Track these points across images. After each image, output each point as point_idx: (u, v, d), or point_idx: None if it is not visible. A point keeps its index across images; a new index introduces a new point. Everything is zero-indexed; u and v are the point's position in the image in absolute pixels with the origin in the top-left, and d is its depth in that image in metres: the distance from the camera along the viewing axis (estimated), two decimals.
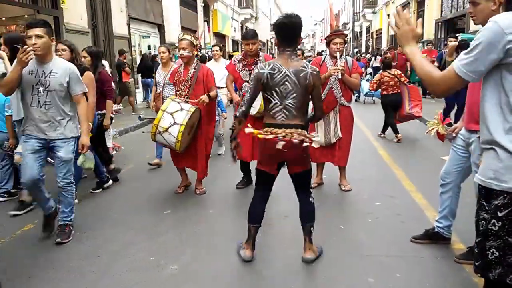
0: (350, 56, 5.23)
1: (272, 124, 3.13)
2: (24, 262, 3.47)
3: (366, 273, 3.16)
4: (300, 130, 3.11)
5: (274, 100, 3.10)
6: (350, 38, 41.41)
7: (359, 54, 23.55)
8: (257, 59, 4.99)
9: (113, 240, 3.85)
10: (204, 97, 4.61)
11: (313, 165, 5.21)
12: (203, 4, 23.21)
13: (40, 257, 3.55)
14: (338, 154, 5.01)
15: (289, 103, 3.08)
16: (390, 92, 7.70)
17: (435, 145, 3.45)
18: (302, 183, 3.36)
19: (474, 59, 1.85)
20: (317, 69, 3.13)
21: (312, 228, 3.35)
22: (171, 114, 4.41)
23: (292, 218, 4.22)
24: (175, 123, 4.38)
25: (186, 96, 4.70)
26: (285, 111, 3.09)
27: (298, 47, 4.07)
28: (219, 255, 3.51)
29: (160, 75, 6.07)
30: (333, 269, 3.23)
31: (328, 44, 4.94)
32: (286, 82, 3.05)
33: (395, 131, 7.66)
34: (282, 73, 3.05)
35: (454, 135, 3.39)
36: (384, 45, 30.39)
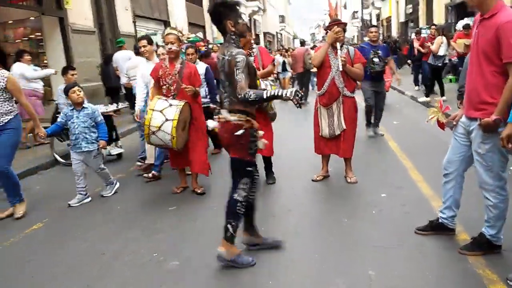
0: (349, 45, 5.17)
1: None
2: (29, 260, 3.53)
3: (367, 264, 3.13)
4: (238, 115, 3.08)
5: (223, 88, 3.20)
6: (359, 27, 40.95)
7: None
8: (251, 51, 4.95)
9: (117, 237, 3.89)
10: (191, 87, 4.62)
11: (318, 158, 5.23)
12: None
13: (45, 255, 3.62)
14: (343, 146, 4.96)
15: (227, 90, 3.13)
16: None
17: (446, 135, 3.38)
18: (232, 171, 3.24)
19: None
20: (233, 54, 3.01)
21: (228, 225, 3.13)
22: (161, 111, 4.39)
23: (296, 211, 4.23)
24: (166, 120, 4.35)
25: (174, 92, 4.67)
26: (227, 98, 3.15)
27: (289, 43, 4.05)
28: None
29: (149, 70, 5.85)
30: (333, 261, 3.21)
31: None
32: (222, 71, 3.15)
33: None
34: (220, 62, 3.15)
35: (454, 123, 3.32)
36: (394, 33, 30.01)
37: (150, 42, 5.84)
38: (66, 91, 4.82)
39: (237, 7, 3.12)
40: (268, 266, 3.21)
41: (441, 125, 3.48)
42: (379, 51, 6.93)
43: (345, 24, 4.96)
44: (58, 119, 4.90)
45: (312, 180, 5.09)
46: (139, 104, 5.62)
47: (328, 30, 4.85)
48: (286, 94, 3.04)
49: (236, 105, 3.10)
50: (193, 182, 5.01)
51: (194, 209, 4.50)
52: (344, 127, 4.89)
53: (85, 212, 4.60)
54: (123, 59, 8.78)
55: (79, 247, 3.75)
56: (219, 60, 3.16)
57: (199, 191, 4.94)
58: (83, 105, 4.85)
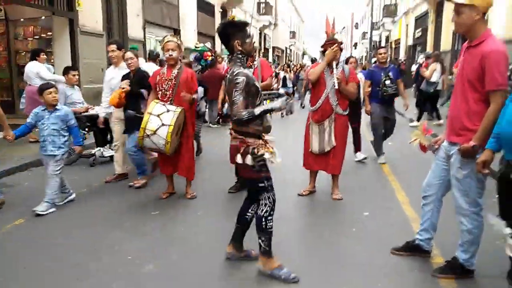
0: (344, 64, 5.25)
1: None
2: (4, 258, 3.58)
3: (344, 281, 3.16)
4: (234, 135, 3.15)
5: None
6: (367, 48, 41.17)
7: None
8: (252, 63, 5.04)
9: (100, 238, 3.94)
10: (189, 95, 4.68)
11: (306, 173, 5.28)
12: (221, 10, 23.40)
13: (20, 254, 3.66)
14: (332, 162, 5.01)
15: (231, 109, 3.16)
16: None
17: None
18: (247, 189, 3.35)
19: None
20: (234, 74, 3.04)
21: (260, 241, 3.19)
22: (158, 116, 4.46)
23: (279, 224, 4.25)
24: (163, 125, 4.43)
25: (170, 98, 4.74)
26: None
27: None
28: (203, 256, 3.56)
29: (113, 73, 5.78)
30: (312, 276, 3.23)
31: (323, 53, 4.97)
32: (226, 90, 3.19)
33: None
34: (225, 80, 3.19)
35: (436, 146, 3.37)
36: (402, 55, 30.16)
37: (120, 47, 5.79)
38: (41, 91, 4.54)
39: (245, 27, 3.16)
40: (242, 274, 3.25)
41: (423, 148, 3.53)
42: (390, 73, 6.67)
43: (341, 43, 5.04)
44: (28, 119, 4.65)
45: (298, 195, 5.14)
46: (102, 111, 5.75)
47: (325, 48, 4.93)
48: (277, 105, 3.09)
49: (235, 125, 3.16)
50: (187, 187, 5.10)
51: (179, 214, 4.55)
52: (334, 144, 4.94)
53: (68, 212, 4.63)
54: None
55: (58, 247, 3.77)
56: (225, 78, 3.20)
57: (189, 196, 5.03)
58: (56, 107, 4.61)
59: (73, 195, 4.91)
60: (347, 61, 7.13)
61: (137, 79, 5.25)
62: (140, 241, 3.88)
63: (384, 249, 3.65)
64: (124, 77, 5.37)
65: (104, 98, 5.83)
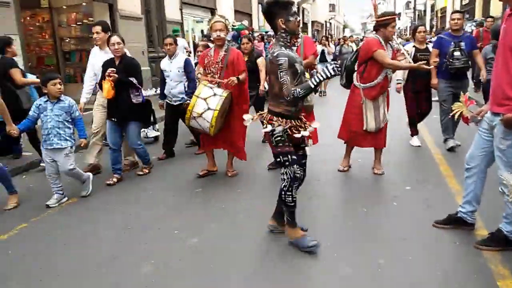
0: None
1: None
2: (61, 231, 3.84)
3: (379, 254, 3.17)
4: (267, 114, 3.22)
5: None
6: (411, 18, 39.62)
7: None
8: (296, 41, 4.98)
9: (145, 214, 4.13)
10: (234, 78, 4.66)
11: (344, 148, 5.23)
12: None
13: (75, 227, 3.92)
14: (380, 137, 4.95)
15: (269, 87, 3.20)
16: None
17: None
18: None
19: None
20: (274, 55, 3.03)
21: (284, 213, 3.33)
22: (205, 99, 4.53)
23: (316, 199, 4.31)
24: (209, 109, 4.51)
25: (218, 80, 4.74)
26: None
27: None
28: (241, 232, 3.66)
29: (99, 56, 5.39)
30: (345, 250, 3.27)
31: (378, 28, 4.73)
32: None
33: None
34: (267, 59, 3.19)
35: (479, 118, 3.27)
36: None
37: (105, 29, 5.39)
38: (46, 81, 4.30)
39: (289, 5, 3.12)
40: (278, 249, 3.32)
41: (466, 120, 3.43)
42: (462, 43, 5.64)
43: (399, 16, 4.92)
44: (30, 112, 4.41)
45: (339, 170, 5.12)
46: (84, 96, 5.48)
47: (382, 22, 4.69)
48: (330, 73, 3.02)
49: (270, 105, 3.22)
50: (229, 164, 5.20)
51: (220, 191, 4.67)
52: (388, 119, 4.89)
53: (118, 189, 4.88)
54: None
55: (109, 221, 4.02)
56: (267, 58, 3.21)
57: (230, 174, 5.14)
58: (60, 98, 4.38)
59: (65, 198, 4.55)
60: (414, 31, 6.43)
61: (125, 66, 4.90)
62: (184, 216, 4.04)
63: (425, 223, 3.61)
64: (106, 64, 4.94)
65: (87, 82, 5.48)
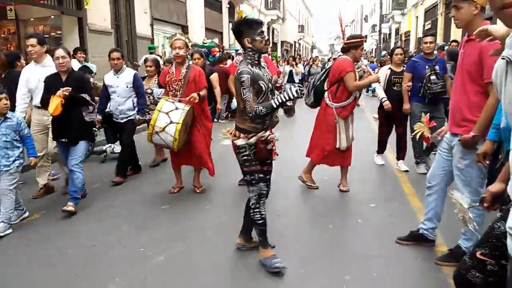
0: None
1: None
2: (25, 249, 3.71)
3: (345, 270, 3.23)
4: (234, 130, 3.26)
5: None
6: (377, 40, 40.91)
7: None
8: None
9: (110, 231, 4.05)
10: (195, 95, 4.70)
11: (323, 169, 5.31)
12: (228, 6, 23.45)
13: (37, 243, 3.80)
14: (346, 155, 5.06)
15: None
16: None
17: None
18: None
19: None
20: (238, 72, 3.09)
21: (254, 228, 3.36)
22: (167, 113, 4.54)
23: (284, 216, 4.35)
24: (171, 122, 4.51)
25: (180, 97, 4.78)
26: None
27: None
28: (209, 249, 3.65)
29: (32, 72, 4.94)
30: (312, 267, 3.31)
31: (349, 50, 4.86)
32: None
33: None
34: None
35: (439, 138, 3.42)
36: (412, 47, 29.93)
37: (41, 42, 4.94)
38: None
39: (256, 25, 3.18)
40: (246, 266, 3.34)
41: (426, 140, 3.58)
42: (437, 67, 5.51)
43: (365, 38, 5.15)
44: None
45: (308, 187, 5.20)
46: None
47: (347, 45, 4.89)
48: (292, 94, 3.06)
49: (236, 121, 3.26)
50: (196, 180, 5.18)
51: (188, 208, 4.64)
52: (354, 137, 5.06)
53: (81, 206, 4.73)
54: None
55: (74, 238, 3.92)
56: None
57: (198, 191, 5.11)
58: (6, 115, 4.04)
59: (27, 213, 4.41)
60: (391, 53, 6.34)
61: (75, 82, 4.48)
62: (151, 233, 3.99)
63: (389, 239, 3.71)
64: (50, 79, 4.53)
65: (21, 100, 4.90)
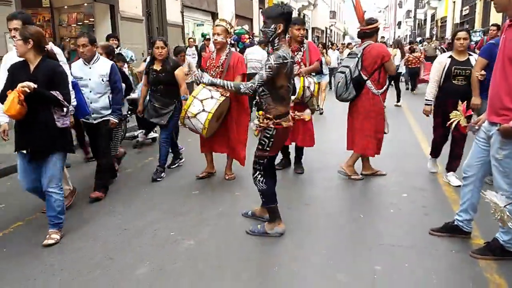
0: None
1: (287, 112, 3.43)
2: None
3: (374, 260, 3.16)
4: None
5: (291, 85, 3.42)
6: (411, 27, 39.79)
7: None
8: (301, 46, 5.05)
9: (141, 216, 4.11)
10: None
11: (348, 154, 5.23)
12: None
13: (71, 224, 3.89)
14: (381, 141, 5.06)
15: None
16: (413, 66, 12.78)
17: None
18: None
19: None
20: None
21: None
22: (201, 101, 4.53)
23: (313, 205, 4.30)
24: (203, 110, 4.50)
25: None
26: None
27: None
28: (238, 235, 3.65)
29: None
30: (341, 255, 3.26)
31: (372, 35, 4.81)
32: (292, 69, 3.39)
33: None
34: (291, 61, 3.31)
35: (477, 127, 3.28)
36: (448, 34, 28.98)
37: (27, 24, 3.75)
38: None
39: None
40: (276, 254, 3.32)
41: (463, 129, 3.46)
42: None
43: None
44: None
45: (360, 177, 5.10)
46: (2, 114, 3.67)
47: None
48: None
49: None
50: (227, 167, 5.21)
51: (218, 194, 4.66)
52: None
53: (112, 190, 4.83)
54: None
55: (106, 222, 4.01)
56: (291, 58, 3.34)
57: (228, 178, 5.15)
58: None
59: None
60: (453, 37, 4.87)
61: (45, 74, 3.44)
62: (177, 219, 4.02)
63: (421, 230, 3.62)
64: (15, 68, 3.53)
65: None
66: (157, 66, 5.17)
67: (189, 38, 12.36)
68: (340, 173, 5.07)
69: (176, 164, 5.76)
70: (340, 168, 5.10)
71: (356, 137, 4.96)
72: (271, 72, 3.20)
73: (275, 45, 3.32)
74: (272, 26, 3.26)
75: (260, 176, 3.48)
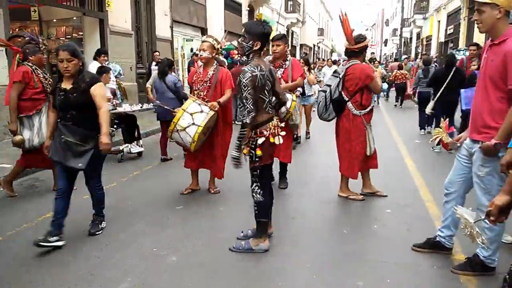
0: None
1: (268, 120, 3.49)
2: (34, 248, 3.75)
3: (357, 276, 3.17)
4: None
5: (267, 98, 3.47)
6: (398, 44, 40.51)
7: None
8: (284, 62, 5.08)
9: (124, 229, 4.07)
10: (215, 103, 4.69)
11: (335, 170, 5.27)
12: (248, 8, 23.51)
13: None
14: (374, 157, 4.99)
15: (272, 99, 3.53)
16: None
17: None
18: None
19: None
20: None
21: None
22: (191, 114, 4.56)
23: (299, 219, 4.31)
24: (193, 124, 4.52)
25: (204, 98, 4.77)
26: (270, 105, 3.53)
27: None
28: (221, 250, 3.63)
29: None
30: (325, 270, 3.27)
31: (360, 53, 4.76)
32: (267, 81, 3.42)
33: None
34: (265, 73, 3.40)
35: (458, 144, 3.35)
36: (433, 52, 29.55)
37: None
38: None
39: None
40: (259, 270, 3.31)
41: (445, 145, 3.51)
42: None
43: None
44: None
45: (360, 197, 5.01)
46: None
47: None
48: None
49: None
50: (211, 182, 5.21)
51: (204, 209, 4.64)
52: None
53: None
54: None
55: (85, 237, 3.94)
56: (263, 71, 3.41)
57: (212, 192, 5.15)
58: None
59: None
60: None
61: None
62: (161, 234, 4.00)
63: (404, 246, 3.64)
64: None
65: None
66: (66, 84, 3.72)
67: (154, 51, 12.01)
68: (341, 197, 5.02)
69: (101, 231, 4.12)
70: (340, 194, 5.06)
71: (339, 158, 4.98)
72: (249, 89, 3.27)
73: (248, 60, 3.42)
74: (250, 42, 3.35)
75: (257, 187, 3.51)
